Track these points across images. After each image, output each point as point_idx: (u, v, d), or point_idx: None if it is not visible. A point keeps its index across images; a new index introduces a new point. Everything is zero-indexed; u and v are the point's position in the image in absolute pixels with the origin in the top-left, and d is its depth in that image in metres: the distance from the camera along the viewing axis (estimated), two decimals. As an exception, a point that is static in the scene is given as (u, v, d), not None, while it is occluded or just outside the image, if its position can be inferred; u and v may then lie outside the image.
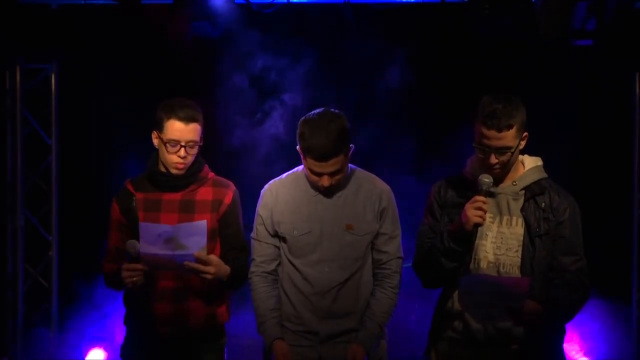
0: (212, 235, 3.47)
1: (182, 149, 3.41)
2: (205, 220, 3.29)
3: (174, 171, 3.47)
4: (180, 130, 3.40)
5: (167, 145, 3.42)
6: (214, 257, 3.34)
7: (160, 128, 3.44)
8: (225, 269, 3.41)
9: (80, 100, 6.32)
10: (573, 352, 6.00)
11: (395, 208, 3.57)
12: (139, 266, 3.28)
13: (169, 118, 3.42)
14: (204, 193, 3.53)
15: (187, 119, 3.41)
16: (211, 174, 3.61)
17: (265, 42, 5.96)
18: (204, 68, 6.05)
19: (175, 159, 3.43)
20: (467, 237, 3.18)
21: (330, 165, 3.34)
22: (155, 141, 3.48)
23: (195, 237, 3.26)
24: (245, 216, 3.66)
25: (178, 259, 3.27)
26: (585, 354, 6.03)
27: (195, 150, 3.46)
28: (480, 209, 3.13)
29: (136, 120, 5.98)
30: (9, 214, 6.15)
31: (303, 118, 3.42)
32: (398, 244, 3.55)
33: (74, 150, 6.36)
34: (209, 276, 3.31)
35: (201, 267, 3.28)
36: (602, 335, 6.00)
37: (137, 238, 3.28)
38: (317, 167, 3.36)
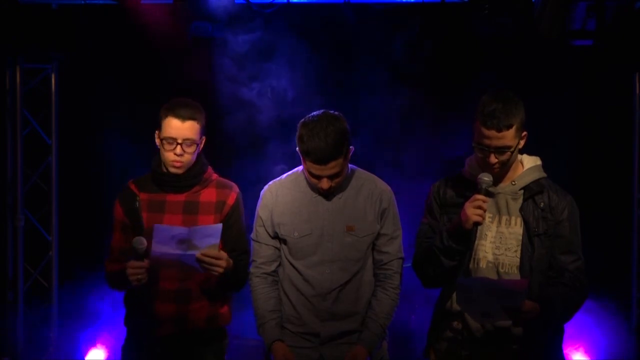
0: None
1: (178, 146, 3.40)
2: (221, 224, 3.29)
3: (172, 170, 3.46)
4: (177, 128, 3.40)
5: (164, 142, 3.42)
6: (223, 252, 3.33)
7: (159, 127, 3.45)
8: (230, 262, 3.39)
9: (80, 100, 6.32)
10: (573, 352, 6.00)
11: (396, 208, 3.56)
12: (145, 264, 3.27)
13: (166, 116, 3.42)
14: (208, 194, 3.52)
15: (184, 117, 3.40)
16: (215, 176, 3.60)
17: (265, 42, 5.96)
18: (203, 68, 6.05)
19: (172, 157, 3.42)
20: (467, 235, 3.18)
21: (329, 168, 3.33)
22: (157, 141, 3.48)
23: (209, 239, 3.26)
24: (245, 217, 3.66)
25: (187, 260, 3.26)
26: (585, 354, 6.02)
27: (192, 149, 3.44)
28: (479, 207, 3.13)
29: (136, 120, 5.99)
30: (9, 214, 6.15)
31: (302, 120, 3.40)
32: (399, 245, 3.54)
33: (74, 150, 6.36)
34: (219, 269, 3.30)
35: (214, 261, 3.26)
36: (602, 335, 6.00)
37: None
38: (316, 169, 3.34)
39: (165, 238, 3.23)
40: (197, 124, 3.43)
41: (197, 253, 3.24)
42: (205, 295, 3.49)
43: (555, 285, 3.19)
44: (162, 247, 3.24)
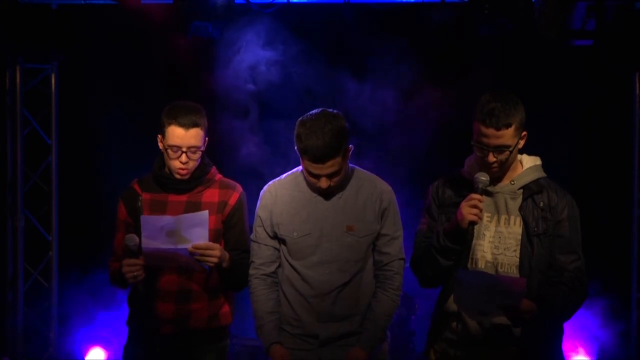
0: (216, 236, 3.48)
1: (184, 154, 3.41)
2: (207, 211, 3.31)
3: (177, 176, 3.47)
4: (181, 137, 3.40)
5: (169, 150, 3.42)
6: (215, 243, 3.35)
7: (162, 133, 3.44)
8: (226, 254, 3.41)
9: (80, 100, 6.32)
10: (573, 352, 6.00)
11: (397, 208, 3.53)
12: (139, 261, 3.30)
13: (170, 124, 3.41)
14: (210, 195, 3.53)
15: (188, 125, 3.40)
16: (218, 176, 3.61)
17: (265, 43, 5.96)
18: (203, 68, 6.05)
19: (178, 165, 3.43)
20: (463, 235, 3.17)
21: (327, 167, 3.31)
22: (160, 145, 3.49)
23: (197, 229, 3.28)
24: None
25: (181, 252, 3.28)
26: (585, 354, 6.03)
27: (197, 156, 3.45)
28: (475, 207, 3.12)
29: (136, 120, 6.01)
30: (9, 214, 6.15)
31: (300, 119, 3.39)
32: (400, 245, 3.51)
33: (74, 150, 6.37)
34: (214, 259, 3.31)
35: (207, 251, 3.29)
36: (601, 335, 6.00)
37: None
38: (314, 168, 3.33)
39: (154, 230, 3.25)
40: (200, 130, 3.43)
41: (189, 246, 3.26)
42: (206, 295, 3.50)
43: (554, 285, 3.18)
44: (152, 242, 3.26)
